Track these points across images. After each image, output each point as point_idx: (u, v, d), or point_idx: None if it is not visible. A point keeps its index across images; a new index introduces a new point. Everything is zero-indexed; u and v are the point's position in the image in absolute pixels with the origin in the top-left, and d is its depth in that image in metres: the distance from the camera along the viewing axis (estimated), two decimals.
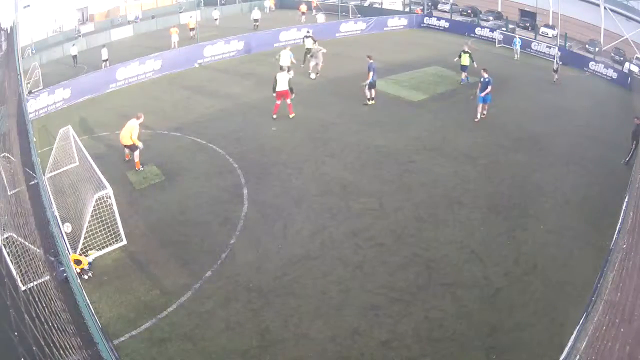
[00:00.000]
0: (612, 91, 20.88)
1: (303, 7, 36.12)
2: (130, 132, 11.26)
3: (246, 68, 21.53)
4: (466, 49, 19.15)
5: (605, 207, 9.98)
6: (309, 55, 19.74)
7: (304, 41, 21.59)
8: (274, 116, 14.68)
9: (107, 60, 24.68)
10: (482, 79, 14.80)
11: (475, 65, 18.52)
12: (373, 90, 16.07)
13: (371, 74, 15.52)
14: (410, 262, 8.35)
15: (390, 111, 15.85)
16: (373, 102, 16.20)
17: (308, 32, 22.19)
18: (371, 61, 15.56)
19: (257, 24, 32.65)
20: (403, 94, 17.56)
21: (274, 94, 14.48)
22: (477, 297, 7.52)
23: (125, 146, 11.72)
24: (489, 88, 14.59)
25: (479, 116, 14.88)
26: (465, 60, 19.06)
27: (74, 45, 26.74)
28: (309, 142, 13.28)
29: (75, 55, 26.02)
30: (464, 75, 19.26)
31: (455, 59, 19.48)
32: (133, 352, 6.46)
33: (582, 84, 21.55)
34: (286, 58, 18.06)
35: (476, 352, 6.51)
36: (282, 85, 14.23)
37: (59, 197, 10.21)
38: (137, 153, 11.52)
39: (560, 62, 20.95)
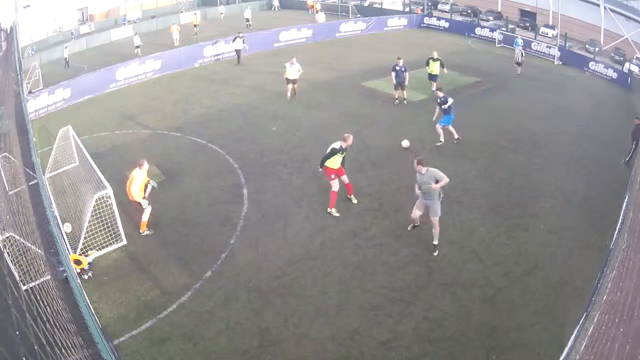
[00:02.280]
0: (612, 91, 20.89)
1: (317, 5, 36.33)
2: (130, 184, 8.92)
3: (246, 68, 21.54)
4: (435, 56, 16.92)
5: (605, 207, 9.98)
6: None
7: (234, 41, 21.94)
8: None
9: (139, 46, 25.61)
10: (438, 100, 12.75)
11: (446, 72, 17.16)
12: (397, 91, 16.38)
13: (407, 75, 15.84)
14: (410, 262, 8.34)
15: (390, 111, 15.86)
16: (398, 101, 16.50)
17: (239, 33, 22.39)
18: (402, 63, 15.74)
19: (250, 23, 32.70)
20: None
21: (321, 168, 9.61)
22: (477, 297, 7.52)
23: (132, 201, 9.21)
24: (448, 104, 12.46)
25: (441, 139, 12.94)
26: (435, 68, 16.92)
27: (66, 47, 26.33)
28: (309, 142, 13.28)
29: (67, 58, 25.43)
30: (434, 86, 16.77)
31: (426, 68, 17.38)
32: (133, 352, 6.46)
33: (582, 84, 21.56)
34: (294, 71, 16.22)
35: (476, 352, 6.51)
36: (335, 163, 9.42)
37: (59, 197, 10.21)
38: (145, 213, 9.06)
39: (523, 57, 20.90)
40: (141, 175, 8.94)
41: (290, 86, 16.48)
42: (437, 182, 7.92)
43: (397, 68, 15.72)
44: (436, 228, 8.33)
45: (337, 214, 9.64)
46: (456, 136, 13.08)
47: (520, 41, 25.20)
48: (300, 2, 40.68)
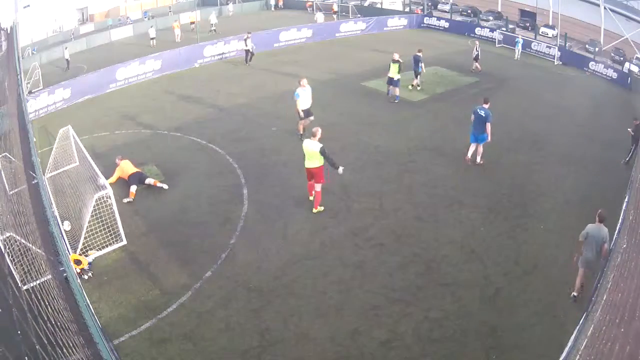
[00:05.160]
0: (612, 91, 20.90)
1: (334, 6, 36.51)
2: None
3: (246, 68, 21.54)
4: (396, 58, 15.53)
5: (605, 207, 9.94)
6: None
7: (246, 43, 21.72)
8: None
9: (154, 38, 27.13)
10: (477, 110, 11.38)
11: (398, 77, 15.85)
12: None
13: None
14: (410, 262, 8.35)
15: (390, 111, 15.85)
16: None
17: (249, 32, 22.20)
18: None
19: (214, 29, 31.04)
20: (403, 94, 17.56)
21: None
22: (477, 297, 7.52)
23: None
24: (488, 126, 11.18)
25: (469, 155, 11.75)
26: (394, 72, 15.73)
27: (66, 48, 26.27)
28: None
29: (68, 59, 25.28)
30: (396, 91, 16.20)
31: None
32: (133, 352, 6.46)
33: (582, 84, 21.57)
34: (308, 97, 12.73)
35: (476, 352, 6.51)
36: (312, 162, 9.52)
37: (59, 197, 10.21)
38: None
39: (478, 51, 20.89)
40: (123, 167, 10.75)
41: (303, 121, 12.87)
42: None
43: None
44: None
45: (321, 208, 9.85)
46: (469, 155, 11.81)
47: (520, 41, 25.29)
48: (303, 2, 40.71)
